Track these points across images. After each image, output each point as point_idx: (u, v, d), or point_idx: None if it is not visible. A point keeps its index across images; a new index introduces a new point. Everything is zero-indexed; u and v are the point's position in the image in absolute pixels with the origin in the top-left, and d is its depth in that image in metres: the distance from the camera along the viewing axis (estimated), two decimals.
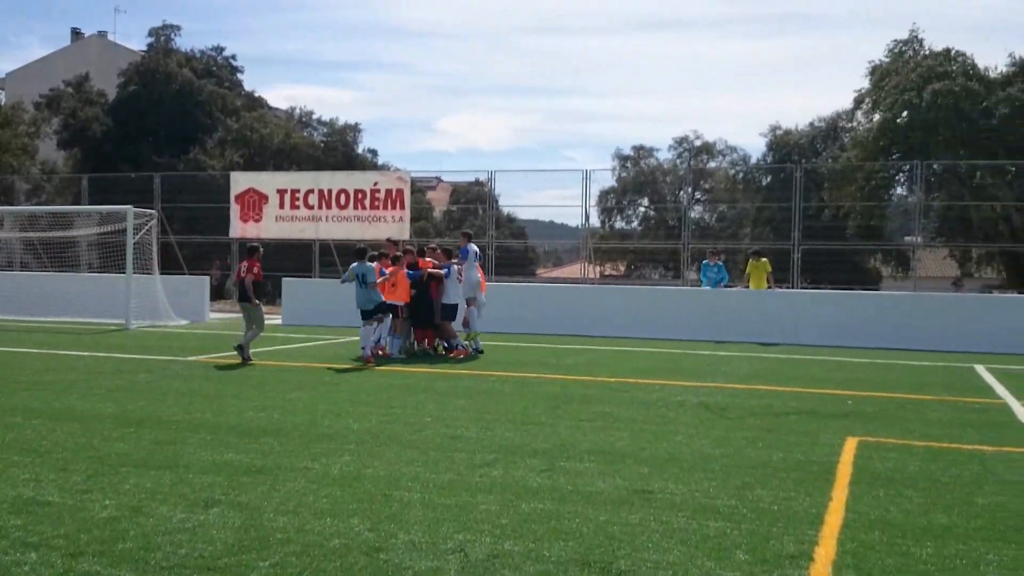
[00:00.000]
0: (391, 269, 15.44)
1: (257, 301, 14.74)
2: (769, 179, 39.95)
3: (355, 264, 14.82)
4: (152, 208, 29.97)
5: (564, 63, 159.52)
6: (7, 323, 21.51)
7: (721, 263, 20.92)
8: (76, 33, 62.19)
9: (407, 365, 14.07)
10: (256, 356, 14.82)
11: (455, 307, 15.82)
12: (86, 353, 14.95)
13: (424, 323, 15.87)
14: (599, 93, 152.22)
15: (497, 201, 34.26)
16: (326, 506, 5.82)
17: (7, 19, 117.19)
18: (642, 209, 45.75)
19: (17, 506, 5.66)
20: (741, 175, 42.05)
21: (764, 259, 20.53)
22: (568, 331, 20.13)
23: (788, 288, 23.54)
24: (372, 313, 14.64)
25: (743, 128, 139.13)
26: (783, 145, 40.66)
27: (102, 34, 60.21)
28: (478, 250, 16.84)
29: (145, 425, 8.52)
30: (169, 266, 30.99)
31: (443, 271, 15.70)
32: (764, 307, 19.88)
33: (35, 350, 15.35)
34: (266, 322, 15.60)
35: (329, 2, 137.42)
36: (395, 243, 18.82)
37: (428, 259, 16.20)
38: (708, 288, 20.43)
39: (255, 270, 14.76)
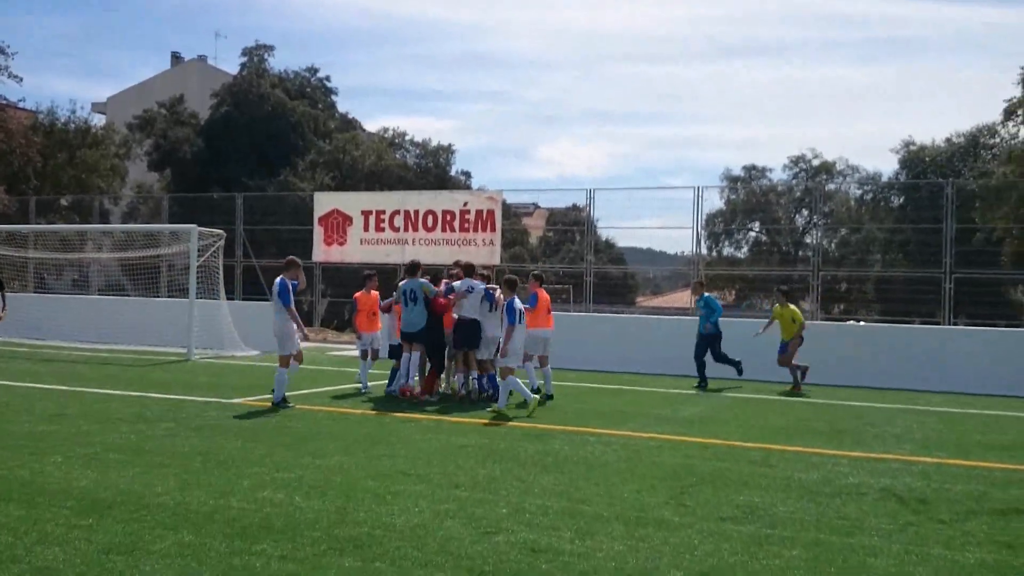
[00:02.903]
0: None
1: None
2: (902, 199, 36.11)
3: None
4: (232, 230, 28.60)
5: (659, 89, 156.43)
6: (60, 352, 19.85)
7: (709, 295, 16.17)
8: (176, 57, 62.35)
9: (482, 417, 11.47)
10: (317, 398, 12.54)
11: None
12: (118, 392, 12.85)
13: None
14: (698, 119, 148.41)
15: (595, 224, 31.58)
16: None
17: (113, 46, 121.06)
18: (752, 234, 42.34)
19: None
20: (870, 196, 38.17)
21: (792, 306, 15.74)
22: (679, 370, 17.24)
23: (938, 325, 20.24)
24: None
25: (863, 149, 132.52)
26: (917, 162, 36.75)
27: (202, 58, 60.14)
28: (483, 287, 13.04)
29: (112, 513, 6.14)
30: (252, 292, 29.35)
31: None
32: (911, 345, 16.77)
33: (61, 387, 13.35)
34: (342, 354, 13.40)
35: (424, 34, 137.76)
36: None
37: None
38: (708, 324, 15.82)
39: None
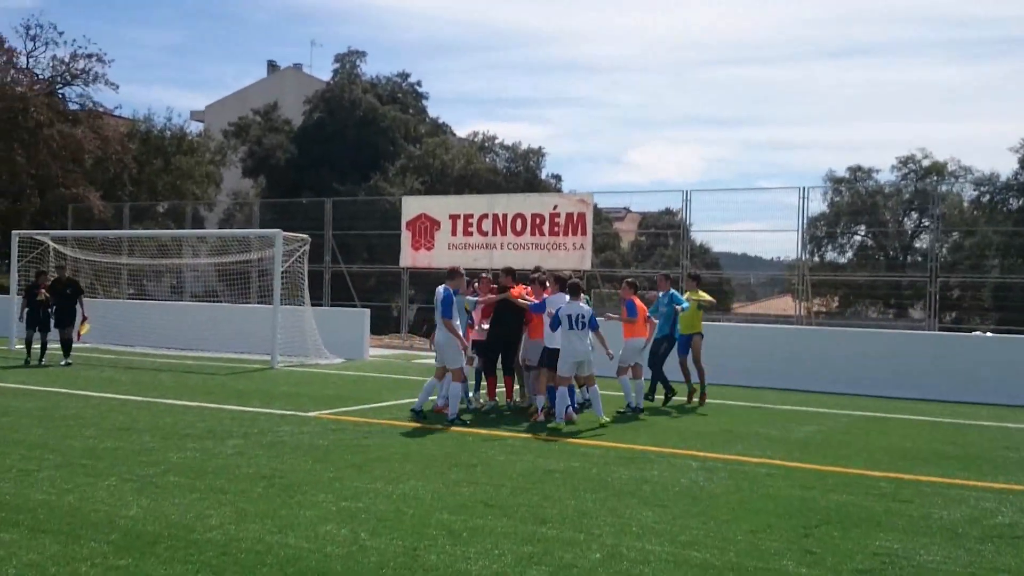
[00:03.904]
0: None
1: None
2: (1021, 201, 33.76)
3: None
4: (321, 235, 28.37)
5: (753, 92, 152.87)
6: (146, 359, 19.72)
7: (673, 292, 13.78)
8: (272, 66, 63.24)
9: (573, 437, 10.59)
10: (397, 410, 11.83)
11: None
12: (194, 404, 12.39)
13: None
14: (794, 122, 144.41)
15: (690, 229, 30.28)
16: None
17: (215, 58, 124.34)
18: (858, 238, 40.36)
19: None
20: (986, 197, 35.83)
21: (701, 292, 13.85)
22: (785, 384, 16.11)
23: None
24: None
25: (974, 149, 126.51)
26: None
27: (297, 66, 60.81)
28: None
29: (155, 551, 5.48)
30: (341, 297, 29.09)
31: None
32: None
33: (137, 397, 12.97)
34: (428, 363, 12.71)
35: (516, 41, 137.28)
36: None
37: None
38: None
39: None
